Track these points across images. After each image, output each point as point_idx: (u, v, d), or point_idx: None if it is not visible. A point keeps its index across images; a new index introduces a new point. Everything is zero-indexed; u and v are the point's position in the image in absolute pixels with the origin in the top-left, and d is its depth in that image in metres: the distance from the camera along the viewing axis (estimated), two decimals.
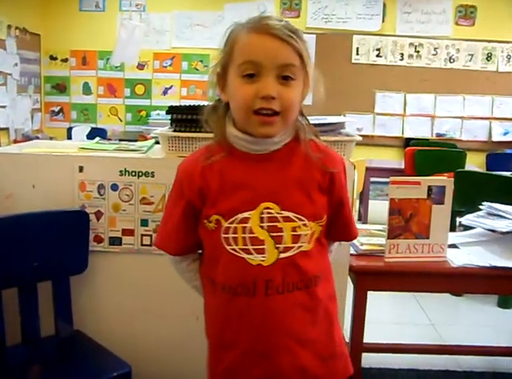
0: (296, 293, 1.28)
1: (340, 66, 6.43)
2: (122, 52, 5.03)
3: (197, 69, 6.60)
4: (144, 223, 2.24)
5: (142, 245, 2.26)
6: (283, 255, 1.27)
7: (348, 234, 1.49)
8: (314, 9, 6.49)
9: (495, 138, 6.75)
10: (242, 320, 1.29)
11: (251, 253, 1.26)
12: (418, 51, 6.72)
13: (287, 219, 1.27)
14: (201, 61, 6.57)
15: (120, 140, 3.80)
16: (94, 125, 6.49)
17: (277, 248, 1.27)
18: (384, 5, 6.57)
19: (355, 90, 6.66)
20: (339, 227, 1.42)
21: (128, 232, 2.25)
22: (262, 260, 1.26)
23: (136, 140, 3.40)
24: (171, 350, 2.34)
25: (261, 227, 1.26)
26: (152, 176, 2.21)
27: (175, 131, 2.22)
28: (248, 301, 1.27)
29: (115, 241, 2.25)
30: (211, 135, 2.18)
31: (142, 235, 2.25)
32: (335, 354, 1.37)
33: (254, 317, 1.28)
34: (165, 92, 6.64)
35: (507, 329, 3.44)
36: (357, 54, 6.71)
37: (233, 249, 1.28)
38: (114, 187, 2.22)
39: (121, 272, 2.29)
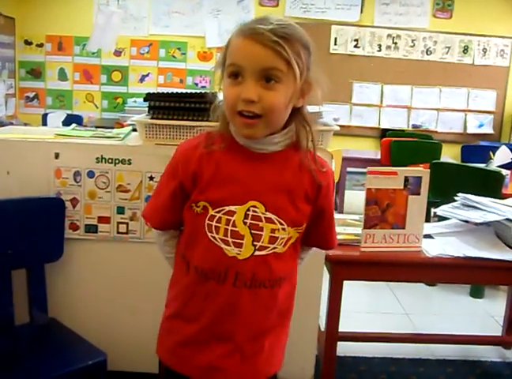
0: (262, 290, 1.35)
1: (318, 56, 6.42)
2: (99, 38, 4.96)
3: (174, 57, 6.55)
4: (120, 210, 2.23)
5: (118, 232, 2.25)
6: (258, 253, 1.33)
7: (326, 243, 1.54)
8: None
9: (469, 130, 6.83)
10: (207, 302, 1.35)
11: (229, 245, 1.32)
12: (396, 43, 6.75)
13: (269, 220, 1.32)
14: (179, 48, 6.52)
15: (96, 127, 3.77)
16: (70, 112, 6.39)
17: (254, 245, 1.33)
18: None
19: (333, 80, 6.48)
20: (317, 235, 1.48)
21: (104, 220, 2.23)
22: (238, 254, 1.32)
23: (112, 128, 3.38)
24: (147, 337, 2.33)
25: (244, 223, 1.32)
26: (129, 163, 2.20)
27: (152, 118, 2.21)
28: (216, 286, 1.34)
29: (91, 228, 2.24)
30: (189, 123, 2.18)
31: (118, 223, 2.24)
32: (273, 347, 1.44)
33: (218, 302, 1.34)
34: (142, 79, 6.58)
35: (479, 318, 3.50)
36: (335, 44, 6.73)
37: (213, 237, 1.33)
38: (91, 174, 2.20)
39: (96, 259, 2.28)
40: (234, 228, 1.32)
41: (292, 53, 1.25)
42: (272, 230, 1.33)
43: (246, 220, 1.32)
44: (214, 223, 1.33)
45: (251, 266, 1.33)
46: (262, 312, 1.38)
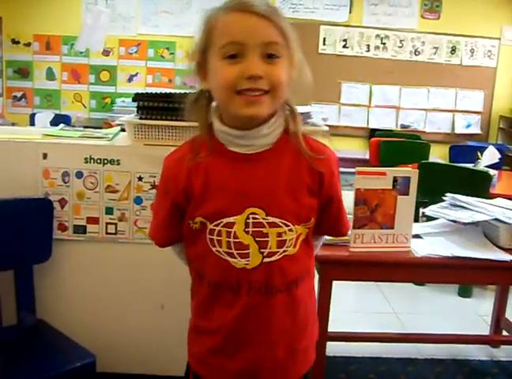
0: (279, 295, 1.27)
1: (307, 56, 6.38)
2: (87, 38, 4.94)
3: (163, 57, 6.53)
4: (108, 211, 2.22)
5: (107, 233, 2.24)
6: (267, 260, 1.25)
7: (336, 230, 1.44)
8: None
9: (457, 130, 6.86)
10: (226, 312, 1.29)
11: (235, 257, 1.25)
12: (384, 43, 6.77)
13: (272, 224, 1.24)
14: (168, 48, 6.51)
15: (84, 127, 3.75)
16: (58, 112, 6.35)
17: (262, 253, 1.25)
18: None
19: (321, 80, 6.67)
20: (327, 223, 1.38)
21: (92, 220, 2.23)
22: (246, 264, 1.25)
23: (100, 128, 3.37)
24: (136, 339, 2.33)
25: (246, 232, 1.24)
26: (118, 164, 2.19)
27: (141, 118, 2.20)
28: (232, 297, 1.27)
29: (80, 229, 2.23)
30: (178, 123, 2.18)
31: (107, 223, 2.23)
32: (305, 347, 1.38)
33: (236, 312, 1.28)
34: (130, 79, 6.56)
35: (467, 318, 3.51)
36: (324, 44, 6.74)
37: (218, 251, 1.26)
38: (79, 175, 2.19)
39: (85, 260, 2.27)
40: (236, 239, 1.24)
41: (286, 24, 1.19)
42: (279, 234, 1.24)
43: (247, 229, 1.24)
44: (215, 237, 1.25)
45: (263, 274, 1.25)
46: (285, 316, 1.30)
